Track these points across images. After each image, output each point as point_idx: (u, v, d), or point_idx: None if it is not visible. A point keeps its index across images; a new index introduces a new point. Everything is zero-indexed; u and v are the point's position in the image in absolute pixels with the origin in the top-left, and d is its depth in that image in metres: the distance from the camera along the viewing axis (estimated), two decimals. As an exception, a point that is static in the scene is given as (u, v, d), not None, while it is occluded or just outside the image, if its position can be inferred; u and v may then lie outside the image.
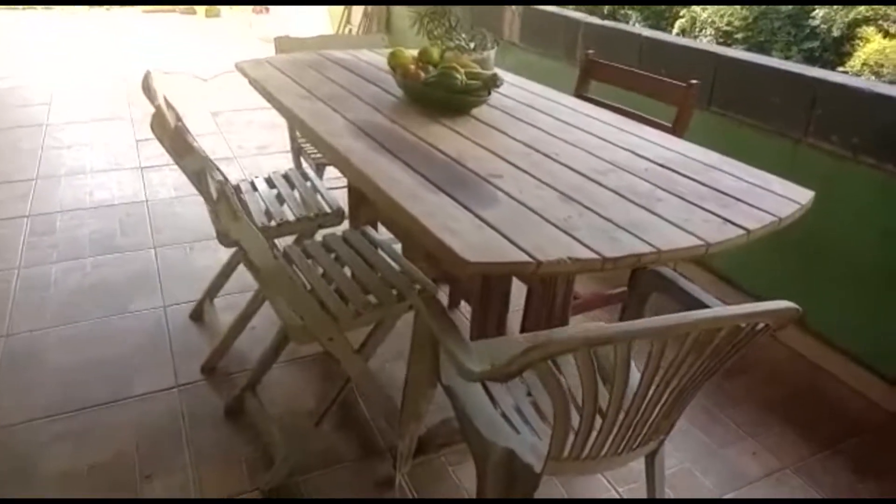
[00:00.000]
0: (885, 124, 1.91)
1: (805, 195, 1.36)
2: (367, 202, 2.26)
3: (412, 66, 1.87)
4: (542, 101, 1.96)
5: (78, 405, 1.91)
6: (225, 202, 1.23)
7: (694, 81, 1.96)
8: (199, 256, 2.73)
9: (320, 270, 1.70)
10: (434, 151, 1.52)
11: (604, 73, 2.25)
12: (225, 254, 2.70)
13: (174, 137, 1.56)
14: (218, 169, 1.53)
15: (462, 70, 1.73)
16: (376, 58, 2.43)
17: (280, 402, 1.97)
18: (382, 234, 2.03)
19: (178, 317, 2.34)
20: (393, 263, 1.76)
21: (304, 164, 2.77)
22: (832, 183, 2.00)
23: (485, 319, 1.68)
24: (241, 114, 4.50)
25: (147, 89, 1.93)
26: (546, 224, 1.18)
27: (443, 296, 1.88)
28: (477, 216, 1.20)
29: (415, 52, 1.98)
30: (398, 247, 1.94)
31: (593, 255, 1.07)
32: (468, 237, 1.12)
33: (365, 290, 1.64)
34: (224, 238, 1.89)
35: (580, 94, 2.27)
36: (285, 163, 3.74)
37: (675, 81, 2.00)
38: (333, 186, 2.42)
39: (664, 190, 1.35)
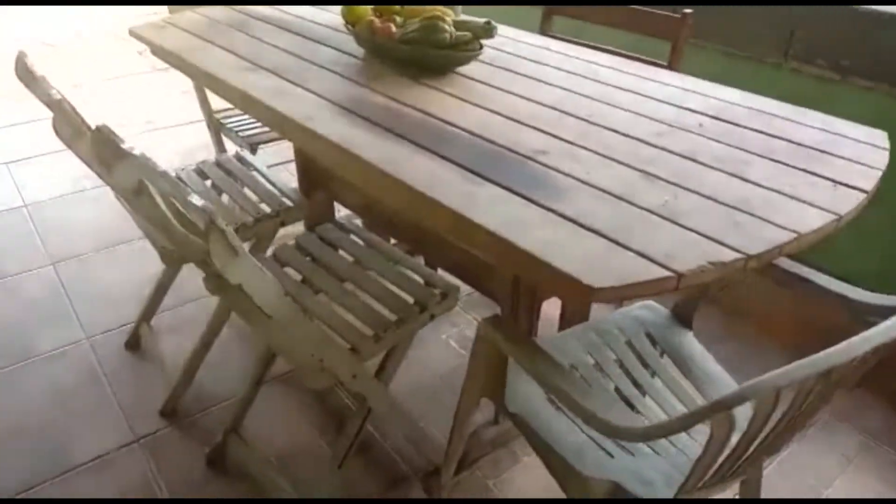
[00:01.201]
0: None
1: (878, 136, 1.21)
2: (323, 180, 1.92)
3: (376, 21, 1.52)
4: (524, 47, 1.68)
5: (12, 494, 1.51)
6: (218, 235, 0.90)
7: (688, 10, 1.75)
8: (110, 268, 2.28)
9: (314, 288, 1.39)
10: (447, 126, 1.23)
11: (573, 9, 1.99)
12: (142, 261, 2.29)
13: (98, 142, 1.17)
14: (174, 176, 1.16)
15: (448, 20, 1.42)
16: (309, 10, 2.03)
17: (271, 438, 1.66)
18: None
19: (109, 349, 1.93)
20: (394, 265, 1.47)
21: (228, 144, 2.35)
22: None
23: (516, 318, 1.44)
24: (112, 83, 3.86)
25: (27, 75, 1.47)
26: (648, 215, 0.95)
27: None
28: (555, 212, 0.95)
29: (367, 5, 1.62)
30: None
31: (736, 255, 0.85)
32: (566, 248, 0.87)
33: (375, 304, 1.35)
34: (173, 260, 1.51)
35: (545, 33, 2.01)
36: (193, 140, 3.25)
37: (666, 12, 1.79)
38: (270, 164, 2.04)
39: (741, 149, 1.15)
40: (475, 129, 1.21)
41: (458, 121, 1.24)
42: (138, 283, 2.20)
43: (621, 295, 0.80)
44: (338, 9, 2.03)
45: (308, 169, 1.92)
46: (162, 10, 5.27)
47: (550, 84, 1.44)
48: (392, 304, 1.36)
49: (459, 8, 1.68)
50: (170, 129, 3.29)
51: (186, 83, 3.90)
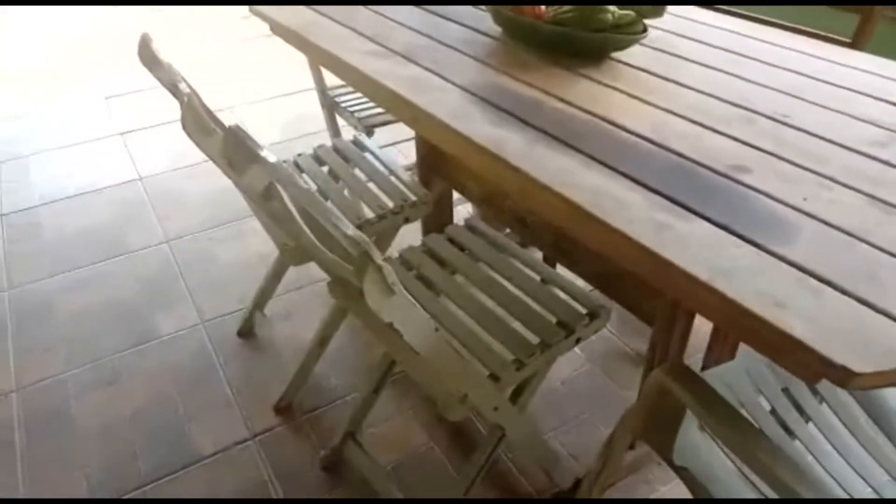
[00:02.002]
0: None
1: None
2: (444, 169, 1.78)
3: (522, -3, 1.34)
4: (684, 24, 1.46)
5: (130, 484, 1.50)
6: (375, 273, 0.77)
7: (886, -23, 1.47)
8: (226, 248, 2.24)
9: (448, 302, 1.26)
10: (618, 131, 1.05)
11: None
12: (251, 241, 2.24)
13: (230, 143, 1.07)
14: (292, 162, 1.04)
15: (611, -3, 1.22)
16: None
17: (383, 442, 1.58)
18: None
19: (222, 335, 1.90)
20: (534, 275, 1.33)
21: (342, 128, 2.25)
22: None
23: (668, 345, 1.27)
24: (217, 49, 3.84)
25: (152, 60, 1.40)
26: (893, 261, 0.75)
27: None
28: (774, 255, 0.77)
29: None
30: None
31: None
32: (803, 310, 0.69)
33: (514, 323, 1.21)
34: (295, 258, 1.42)
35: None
36: (294, 111, 3.17)
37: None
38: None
39: None
40: (651, 134, 1.03)
41: (629, 123, 1.06)
42: (248, 263, 2.17)
43: (889, 381, 0.62)
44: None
45: (428, 156, 1.79)
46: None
47: (728, 73, 1.23)
48: (534, 324, 1.22)
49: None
50: (272, 101, 3.23)
51: (291, 50, 3.89)
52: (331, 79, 2.21)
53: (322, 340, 1.62)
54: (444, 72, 1.26)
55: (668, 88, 1.18)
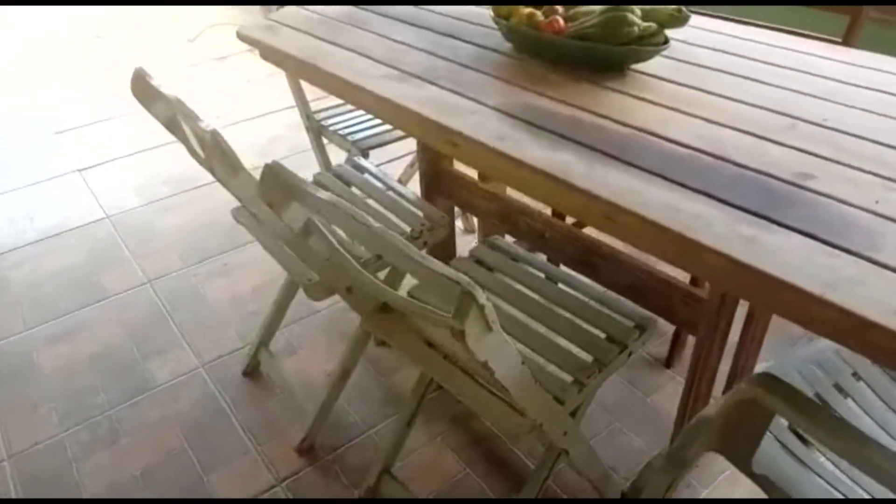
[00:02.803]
0: None
1: None
2: (450, 187, 1.75)
3: (537, 14, 1.33)
4: (694, 32, 1.48)
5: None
6: (477, 312, 0.73)
7: (872, -21, 1.53)
8: (213, 285, 2.14)
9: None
10: (667, 144, 1.04)
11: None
12: (238, 277, 2.15)
13: (269, 179, 1.01)
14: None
15: (635, 9, 1.22)
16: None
17: (418, 472, 1.53)
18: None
19: (226, 378, 1.80)
20: (575, 293, 1.31)
21: (328, 150, 2.18)
22: None
23: (710, 352, 1.27)
24: (170, 75, 3.70)
25: (148, 95, 1.32)
26: None
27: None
28: (871, 261, 0.77)
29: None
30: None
31: None
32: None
33: (563, 342, 1.19)
34: (319, 293, 1.36)
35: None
36: (267, 134, 3.05)
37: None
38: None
39: None
40: (704, 146, 1.03)
41: (677, 135, 1.06)
42: (240, 299, 2.08)
43: None
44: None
45: (432, 175, 1.75)
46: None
47: (753, 79, 1.25)
48: (584, 343, 1.20)
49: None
50: (241, 124, 3.13)
51: (247, 73, 3.78)
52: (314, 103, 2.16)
53: (344, 374, 1.56)
54: (470, 92, 1.23)
55: (700, 98, 1.19)
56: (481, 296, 0.73)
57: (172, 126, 1.38)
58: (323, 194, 0.95)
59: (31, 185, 2.75)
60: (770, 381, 0.89)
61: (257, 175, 1.05)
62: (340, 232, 1.16)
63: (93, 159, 2.92)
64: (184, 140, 1.37)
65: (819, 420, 0.83)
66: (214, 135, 1.10)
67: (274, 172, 1.00)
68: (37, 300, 2.09)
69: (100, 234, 2.41)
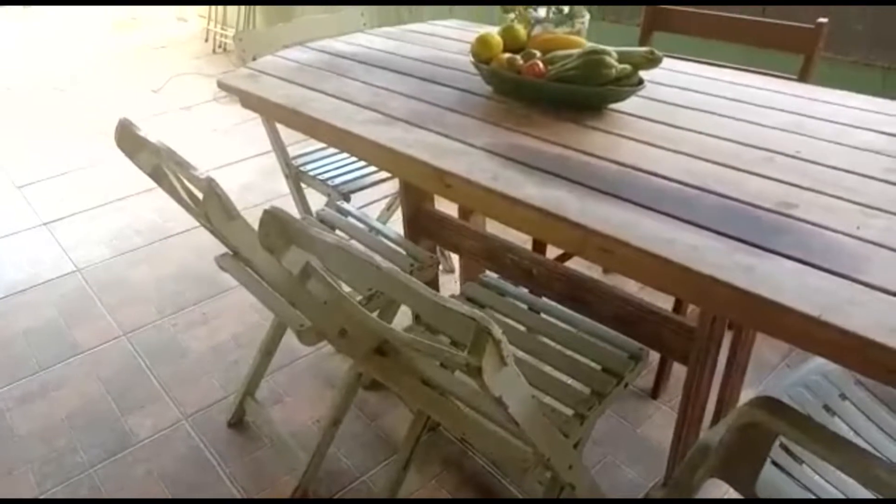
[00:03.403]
0: None
1: None
2: (432, 227, 1.77)
3: (518, 58, 1.38)
4: (660, 72, 1.55)
5: None
6: (493, 347, 0.75)
7: (822, 20, 1.63)
8: (191, 335, 2.11)
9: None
10: (653, 178, 1.09)
11: (680, 23, 1.87)
12: (224, 325, 2.12)
13: (270, 225, 1.02)
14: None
15: (612, 52, 1.28)
16: (388, 43, 1.89)
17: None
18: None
19: (211, 430, 1.76)
20: (567, 326, 1.33)
21: (306, 194, 2.19)
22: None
23: (701, 380, 1.31)
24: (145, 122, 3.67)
25: (134, 145, 1.32)
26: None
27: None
28: (860, 282, 0.81)
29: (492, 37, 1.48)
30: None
31: None
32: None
33: (559, 375, 1.21)
34: (312, 337, 1.35)
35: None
36: (239, 180, 3.02)
37: (796, 24, 1.67)
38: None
39: None
40: (687, 178, 1.07)
41: (661, 170, 1.11)
42: (221, 348, 2.05)
43: None
44: (419, 38, 1.90)
45: (415, 216, 1.78)
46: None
47: (725, 116, 1.31)
48: (580, 375, 1.22)
49: (585, 27, 1.55)
50: (211, 173, 3.11)
51: (213, 122, 3.79)
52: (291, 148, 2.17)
53: (335, 420, 1.54)
54: (458, 135, 1.27)
55: (676, 134, 1.24)
56: (497, 331, 0.75)
57: (158, 175, 1.37)
58: (327, 237, 0.96)
59: (-5, 240, 2.68)
60: (771, 404, 0.92)
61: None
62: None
63: (59, 212, 2.87)
64: (170, 189, 1.37)
65: (822, 439, 0.86)
66: (210, 182, 1.11)
67: (275, 217, 1.01)
68: (7, 358, 2.02)
69: (70, 288, 2.36)
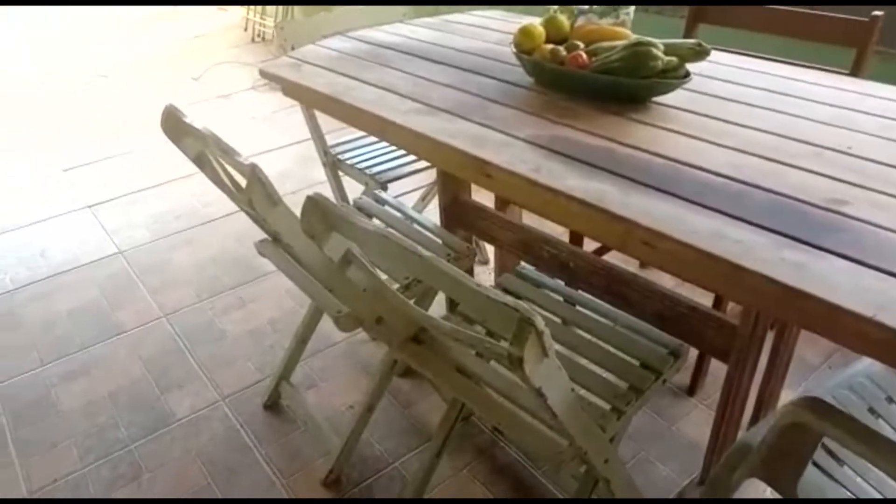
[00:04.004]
0: None
1: None
2: (468, 218, 1.77)
3: (560, 50, 1.37)
4: (703, 65, 1.52)
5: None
6: (535, 338, 0.75)
7: (877, 13, 1.58)
8: (229, 318, 2.14)
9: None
10: (700, 172, 1.07)
11: (726, 15, 1.83)
12: (261, 310, 2.16)
13: (312, 212, 1.03)
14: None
15: (658, 44, 1.26)
16: (429, 33, 1.89)
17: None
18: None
19: (247, 411, 1.79)
20: (605, 320, 1.32)
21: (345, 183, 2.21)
22: None
23: (741, 379, 1.29)
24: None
25: (179, 132, 1.35)
26: None
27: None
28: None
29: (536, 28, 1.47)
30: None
31: None
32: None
33: (597, 369, 1.21)
34: (350, 324, 1.36)
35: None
36: (274, 169, 3.07)
37: (848, 17, 1.62)
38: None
39: None
40: (734, 173, 1.06)
41: (706, 164, 1.09)
42: (258, 331, 2.08)
43: None
44: (460, 28, 1.90)
45: (452, 207, 1.78)
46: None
47: (773, 110, 1.29)
48: (618, 369, 1.21)
49: (630, 18, 1.53)
50: (250, 159, 3.16)
51: (251, 111, 3.83)
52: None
53: (369, 407, 1.55)
54: (501, 126, 1.26)
55: (724, 128, 1.22)
56: (540, 322, 0.75)
57: (201, 161, 1.40)
58: (369, 224, 0.97)
59: (41, 221, 2.76)
60: (817, 405, 0.90)
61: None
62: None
63: (102, 195, 2.94)
64: (212, 175, 1.39)
65: (869, 441, 0.84)
66: (255, 168, 1.13)
67: (318, 204, 1.02)
68: (52, 336, 2.09)
69: (113, 270, 2.41)
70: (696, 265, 0.91)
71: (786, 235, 0.90)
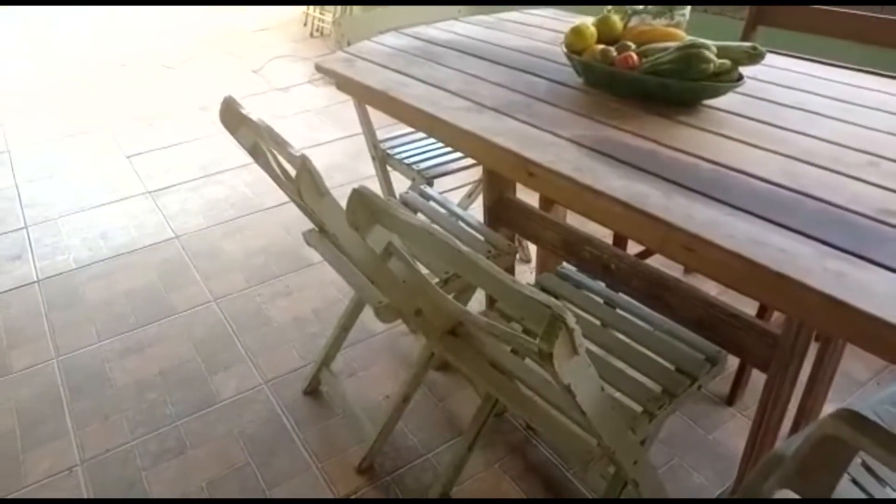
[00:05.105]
0: None
1: None
2: (512, 216, 1.78)
3: (611, 51, 1.37)
4: (759, 69, 1.49)
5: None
6: (566, 336, 0.76)
7: (948, 19, 1.52)
8: (275, 305, 2.21)
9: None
10: (747, 178, 1.06)
11: (788, 18, 1.79)
12: (305, 299, 2.21)
13: (356, 203, 1.06)
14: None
15: (711, 46, 1.25)
16: (482, 31, 1.90)
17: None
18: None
19: (288, 396, 1.85)
20: (643, 323, 1.32)
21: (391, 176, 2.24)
22: None
23: (781, 389, 1.26)
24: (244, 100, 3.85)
25: (236, 122, 1.40)
26: None
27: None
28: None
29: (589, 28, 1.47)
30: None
31: None
32: None
33: (632, 372, 1.20)
34: (390, 315, 1.40)
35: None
36: (323, 162, 3.15)
37: (916, 21, 1.57)
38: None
39: None
40: (782, 180, 1.04)
41: (756, 170, 1.07)
42: (302, 319, 2.14)
43: None
44: (513, 27, 1.91)
45: (496, 205, 1.79)
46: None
47: (830, 117, 1.26)
48: (653, 372, 1.21)
49: (686, 19, 1.51)
50: (303, 151, 3.23)
51: (307, 104, 3.92)
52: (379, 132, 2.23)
53: (405, 397, 1.58)
54: (546, 125, 1.27)
55: (776, 133, 1.20)
56: (571, 320, 0.76)
57: (255, 151, 1.45)
58: (412, 217, 0.99)
59: (104, 205, 2.89)
60: (855, 418, 0.88)
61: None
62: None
63: (163, 182, 3.06)
64: (265, 165, 1.44)
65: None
66: (304, 160, 1.16)
67: (362, 196, 1.05)
68: (110, 314, 2.19)
69: (169, 254, 2.51)
70: (736, 271, 0.90)
71: (831, 245, 0.88)
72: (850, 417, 0.89)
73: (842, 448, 0.91)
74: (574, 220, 1.78)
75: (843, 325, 0.80)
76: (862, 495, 1.02)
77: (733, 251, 0.88)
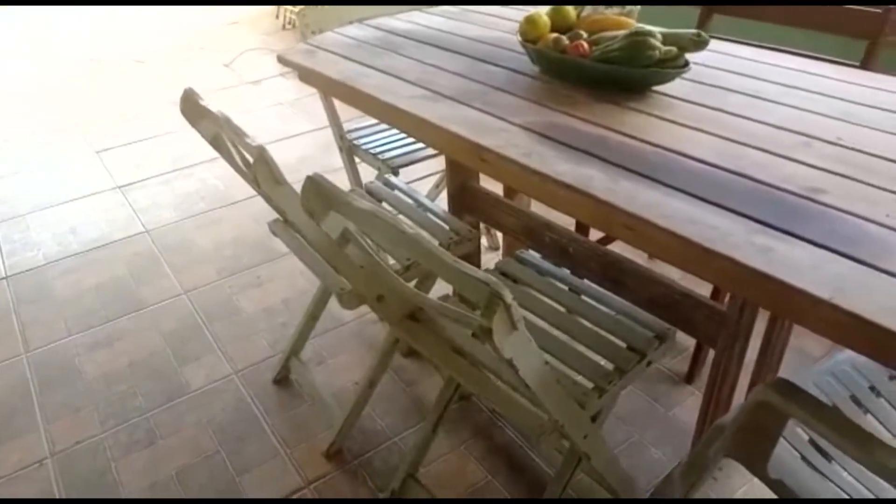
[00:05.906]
0: None
1: None
2: (475, 204, 1.82)
3: (564, 38, 1.40)
4: (710, 55, 1.53)
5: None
6: (504, 312, 0.79)
7: (893, 6, 1.58)
8: (246, 296, 2.23)
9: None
10: (684, 160, 1.10)
11: (739, 5, 1.83)
12: (276, 289, 2.23)
13: (311, 191, 1.08)
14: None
15: (657, 34, 1.29)
16: (444, 22, 1.93)
17: (444, 482, 1.57)
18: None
19: (258, 385, 1.87)
20: (598, 305, 1.36)
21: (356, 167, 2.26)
22: None
23: (729, 364, 1.31)
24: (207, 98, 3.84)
25: (196, 114, 1.41)
26: None
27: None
28: (879, 269, 0.82)
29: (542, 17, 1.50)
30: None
31: None
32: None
33: (584, 350, 1.24)
34: (353, 301, 1.42)
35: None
36: (294, 154, 3.16)
37: (860, 7, 1.62)
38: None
39: None
40: (722, 162, 1.08)
41: (696, 153, 1.11)
42: (272, 309, 2.16)
43: None
44: (476, 17, 1.93)
45: (458, 192, 1.82)
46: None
47: (771, 101, 1.30)
48: (605, 351, 1.25)
49: (637, 9, 1.55)
50: (271, 145, 3.24)
51: (278, 97, 3.92)
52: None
53: (371, 383, 1.61)
54: (500, 112, 1.30)
55: (718, 118, 1.24)
56: (508, 295, 0.79)
57: (217, 143, 1.46)
58: (362, 203, 1.02)
59: (73, 200, 2.87)
60: (785, 386, 0.93)
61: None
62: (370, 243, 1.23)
63: (133, 176, 3.05)
64: (227, 156, 1.45)
65: (833, 424, 0.87)
66: (261, 150, 1.19)
67: (315, 183, 1.08)
68: (80, 309, 2.19)
69: (139, 248, 2.52)
70: (672, 249, 0.94)
71: (761, 222, 0.92)
72: (781, 386, 0.94)
73: (774, 415, 0.96)
74: (539, 207, 1.82)
75: (769, 297, 0.84)
76: (813, 473, 1.06)
77: (668, 229, 0.92)
